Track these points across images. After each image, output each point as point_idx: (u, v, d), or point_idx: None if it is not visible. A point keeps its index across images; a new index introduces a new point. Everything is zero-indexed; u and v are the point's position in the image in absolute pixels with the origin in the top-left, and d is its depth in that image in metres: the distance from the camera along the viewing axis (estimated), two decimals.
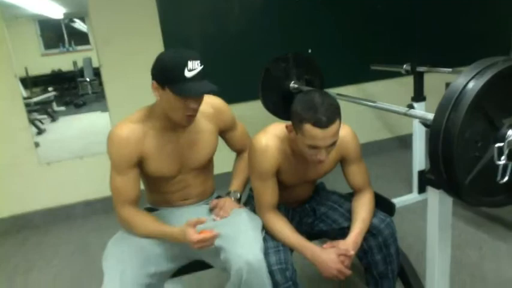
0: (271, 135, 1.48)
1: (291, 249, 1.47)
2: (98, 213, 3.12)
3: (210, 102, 1.55)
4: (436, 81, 2.54)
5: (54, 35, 3.48)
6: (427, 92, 2.66)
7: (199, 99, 1.38)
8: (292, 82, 2.43)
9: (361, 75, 3.43)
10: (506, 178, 1.08)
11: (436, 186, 1.34)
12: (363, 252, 1.54)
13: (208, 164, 1.61)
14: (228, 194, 1.61)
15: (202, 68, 1.32)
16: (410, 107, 2.61)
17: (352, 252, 1.41)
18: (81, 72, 3.50)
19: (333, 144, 1.36)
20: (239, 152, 1.76)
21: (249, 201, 1.71)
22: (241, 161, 1.71)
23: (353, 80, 3.38)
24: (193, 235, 1.33)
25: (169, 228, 1.41)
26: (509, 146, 1.06)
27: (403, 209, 2.68)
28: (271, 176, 1.48)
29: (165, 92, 1.33)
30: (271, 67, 2.44)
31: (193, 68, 1.29)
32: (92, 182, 3.05)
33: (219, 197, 1.67)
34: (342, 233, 1.53)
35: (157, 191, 1.60)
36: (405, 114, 1.53)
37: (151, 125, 1.44)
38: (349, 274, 1.41)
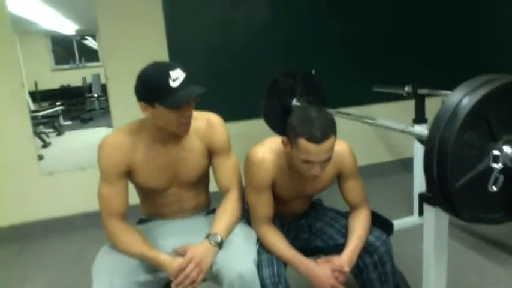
0: (267, 148, 1.49)
1: (285, 264, 1.46)
2: (97, 225, 3.06)
3: (207, 118, 1.53)
4: (438, 104, 2.54)
5: (65, 51, 3.56)
6: (428, 115, 2.67)
7: (191, 106, 1.38)
8: (295, 100, 2.45)
9: (363, 97, 3.45)
10: (496, 188, 1.08)
11: (432, 203, 1.34)
12: (358, 269, 1.53)
13: (201, 179, 1.59)
14: (207, 237, 1.39)
15: (186, 75, 1.32)
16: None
17: (346, 269, 1.40)
18: (89, 88, 3.57)
19: (328, 160, 1.36)
20: (224, 191, 1.55)
21: (244, 215, 1.70)
22: (227, 203, 1.51)
23: (355, 102, 3.40)
24: (179, 278, 1.29)
25: (155, 254, 1.35)
26: (503, 160, 1.06)
27: (403, 231, 2.64)
28: (266, 188, 1.48)
29: (156, 109, 1.33)
30: (279, 80, 2.46)
31: (176, 77, 1.29)
32: (93, 194, 3.00)
33: (214, 210, 1.63)
34: (338, 249, 1.52)
35: (150, 204, 1.60)
36: (403, 131, 1.54)
37: (142, 137, 1.44)
38: None
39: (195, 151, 1.50)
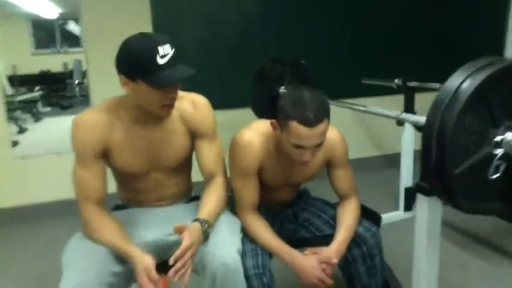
0: (255, 131, 1.41)
1: (270, 254, 1.39)
2: (74, 213, 2.97)
3: (192, 99, 1.43)
4: (428, 98, 2.51)
5: (47, 35, 3.41)
6: (418, 109, 2.63)
7: (176, 87, 1.28)
8: (283, 88, 2.37)
9: (352, 90, 3.38)
10: (497, 175, 1.03)
11: (427, 192, 1.28)
12: (346, 262, 1.46)
13: (184, 165, 1.49)
14: (197, 220, 1.29)
15: (175, 51, 1.21)
16: (400, 122, 2.59)
17: (335, 260, 1.34)
18: (70, 74, 3.43)
19: (320, 145, 1.29)
20: (209, 177, 1.44)
21: (228, 202, 1.62)
22: (214, 190, 1.41)
23: (343, 95, 3.31)
24: (143, 279, 1.17)
25: (127, 248, 1.24)
26: (505, 146, 1.01)
27: (389, 226, 2.60)
28: (253, 174, 1.41)
29: (137, 85, 1.21)
30: (267, 66, 2.37)
31: (165, 53, 1.18)
32: (69, 180, 2.93)
33: (195, 197, 1.55)
34: (325, 241, 1.45)
35: (128, 189, 1.49)
36: (397, 118, 1.49)
37: (120, 115, 1.33)
38: (331, 283, 1.33)
39: (177, 133, 1.40)
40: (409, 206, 2.75)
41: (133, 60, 1.19)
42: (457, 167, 1.04)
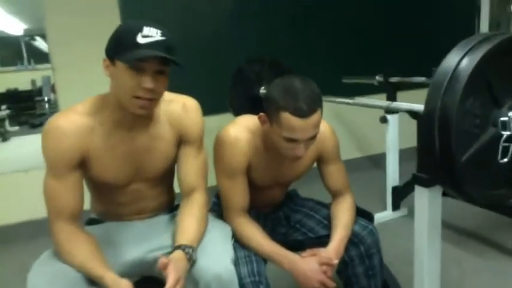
0: (241, 127, 1.32)
1: (264, 259, 1.29)
2: (46, 234, 2.79)
3: (183, 101, 1.28)
4: (411, 96, 2.48)
5: (12, 52, 3.25)
6: None
7: (157, 80, 1.08)
8: (263, 88, 2.30)
9: (332, 90, 3.31)
10: (506, 159, 0.96)
11: (427, 183, 1.21)
12: (343, 264, 1.37)
13: (167, 173, 1.35)
14: (180, 248, 1.12)
15: (166, 41, 1.08)
16: (383, 119, 2.54)
17: (335, 261, 1.25)
18: (39, 92, 3.27)
19: (313, 137, 1.21)
20: (188, 192, 1.28)
21: (214, 209, 1.52)
22: (195, 208, 1.25)
23: (323, 95, 3.30)
24: None
25: (101, 272, 1.08)
26: (510, 127, 0.95)
27: (378, 226, 2.53)
28: (241, 173, 1.31)
29: (115, 67, 1.08)
30: (244, 67, 2.29)
31: (149, 34, 1.06)
32: (39, 198, 2.76)
33: (177, 206, 1.38)
34: (320, 242, 1.37)
35: (105, 202, 1.35)
36: (387, 108, 1.42)
37: (102, 119, 1.18)
38: (333, 286, 1.24)
39: (164, 140, 1.26)
40: (397, 206, 2.69)
41: (115, 38, 1.10)
42: (463, 154, 0.97)
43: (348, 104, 1.72)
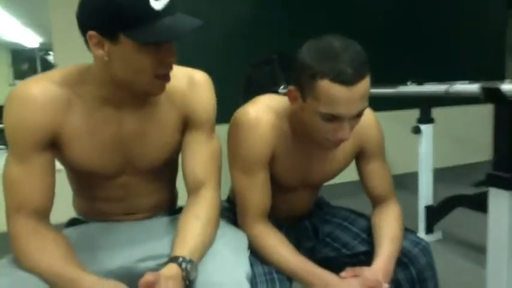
0: (263, 106, 1.03)
1: (289, 279, 0.99)
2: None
3: (189, 75, 1.01)
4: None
5: (27, 65, 3.39)
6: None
7: (173, 49, 0.87)
8: (281, 87, 2.03)
9: None
10: None
11: (505, 185, 0.92)
12: None
13: (168, 167, 1.08)
14: (175, 260, 0.84)
15: None
16: (416, 130, 2.27)
17: (386, 286, 0.94)
18: None
19: (359, 115, 0.93)
20: (195, 188, 0.99)
21: (224, 215, 1.22)
22: (201, 209, 0.96)
23: None
24: None
25: (75, 274, 0.82)
26: None
27: None
28: (262, 166, 1.02)
29: (117, 45, 0.82)
30: (252, 74, 2.05)
31: None
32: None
33: (181, 209, 1.06)
34: (357, 261, 1.09)
35: (88, 197, 1.07)
36: (447, 92, 1.12)
37: (82, 92, 0.92)
38: None
39: (163, 124, 0.99)
40: (430, 229, 2.37)
41: (111, 5, 0.79)
42: None
43: (389, 95, 1.43)
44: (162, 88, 0.91)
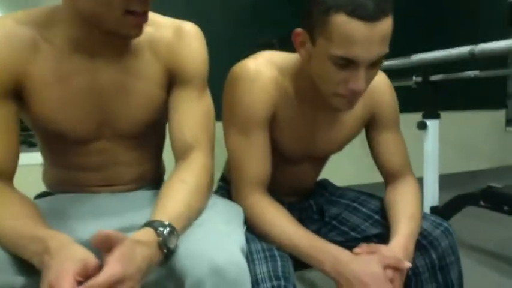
0: (265, 61, 0.89)
1: (292, 256, 0.84)
2: None
3: (177, 25, 0.88)
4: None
5: None
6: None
7: None
8: None
9: None
10: None
11: None
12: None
13: (152, 131, 0.93)
14: (150, 224, 0.69)
15: None
16: (422, 125, 2.14)
17: (408, 264, 0.79)
18: None
19: (378, 63, 0.79)
20: (184, 151, 0.85)
21: (218, 193, 1.07)
22: (189, 174, 0.82)
23: None
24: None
25: (41, 232, 0.67)
26: None
27: None
28: (261, 126, 0.88)
29: None
30: None
31: None
32: None
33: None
34: None
35: (60, 165, 0.93)
36: (472, 54, 1.00)
37: (51, 35, 0.80)
38: None
39: (146, 78, 0.86)
40: None
41: None
42: None
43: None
44: (137, 29, 0.77)
